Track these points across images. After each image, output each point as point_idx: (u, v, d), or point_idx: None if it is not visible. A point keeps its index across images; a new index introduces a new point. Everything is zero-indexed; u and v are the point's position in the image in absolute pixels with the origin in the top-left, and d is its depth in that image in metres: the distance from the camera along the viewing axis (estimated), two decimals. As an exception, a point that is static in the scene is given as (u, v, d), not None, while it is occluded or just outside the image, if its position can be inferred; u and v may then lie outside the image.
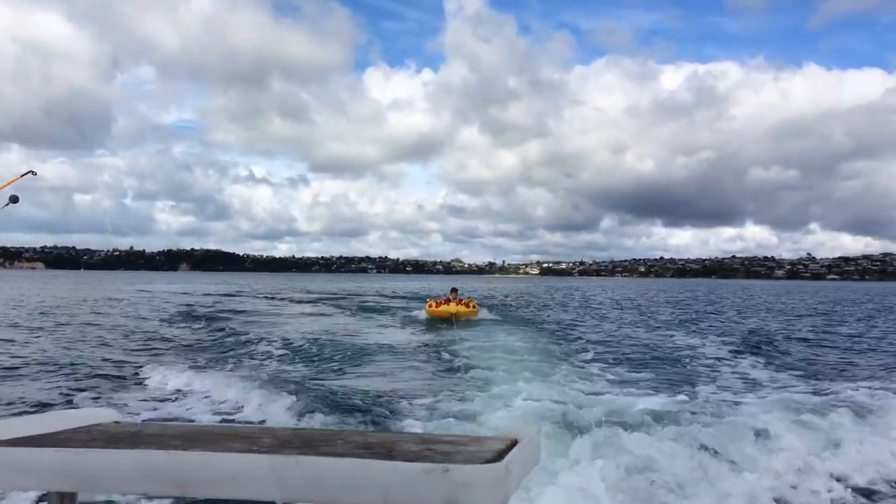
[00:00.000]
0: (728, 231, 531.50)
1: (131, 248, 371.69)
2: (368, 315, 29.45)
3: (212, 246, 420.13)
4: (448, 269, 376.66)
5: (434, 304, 25.31)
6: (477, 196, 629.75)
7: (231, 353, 16.00)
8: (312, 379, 11.91)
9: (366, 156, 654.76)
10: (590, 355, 15.40)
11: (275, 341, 17.55)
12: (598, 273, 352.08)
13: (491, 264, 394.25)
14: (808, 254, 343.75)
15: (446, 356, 14.68)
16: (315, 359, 14.77)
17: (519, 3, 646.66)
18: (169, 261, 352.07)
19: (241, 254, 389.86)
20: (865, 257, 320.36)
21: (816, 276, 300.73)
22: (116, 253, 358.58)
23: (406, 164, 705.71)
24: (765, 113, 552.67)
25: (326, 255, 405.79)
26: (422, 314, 25.83)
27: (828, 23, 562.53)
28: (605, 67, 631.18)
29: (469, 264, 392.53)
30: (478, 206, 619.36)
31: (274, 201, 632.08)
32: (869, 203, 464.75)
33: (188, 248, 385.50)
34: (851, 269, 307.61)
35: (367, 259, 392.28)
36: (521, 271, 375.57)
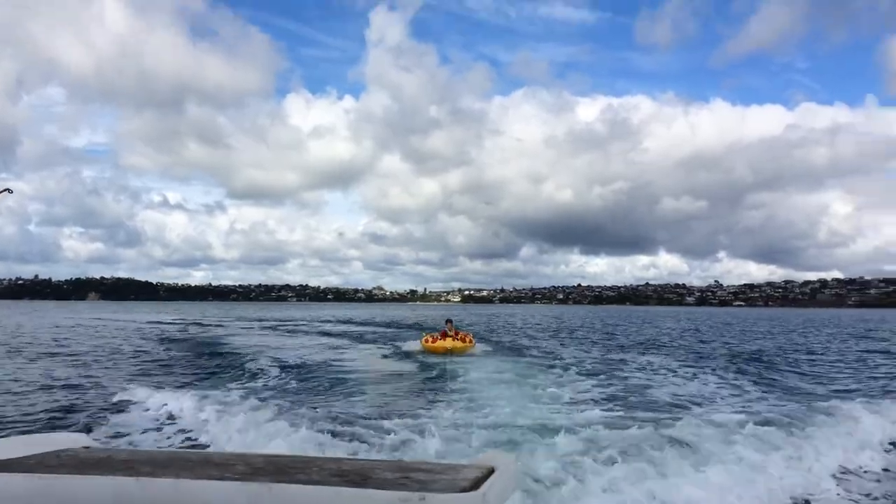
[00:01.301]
0: (642, 259, 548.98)
1: (36, 276, 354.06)
2: (353, 344, 29.81)
3: (122, 274, 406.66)
4: (370, 297, 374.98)
5: (430, 339, 24.70)
6: (398, 224, 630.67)
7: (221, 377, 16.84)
8: (299, 401, 12.36)
9: (286, 183, 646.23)
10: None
11: (266, 366, 18.54)
12: (518, 300, 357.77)
13: (413, 292, 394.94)
14: (716, 281, 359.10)
15: (434, 382, 15.60)
16: (304, 382, 15.74)
17: (439, 34, 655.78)
18: (77, 289, 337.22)
19: (154, 282, 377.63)
20: (769, 284, 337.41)
21: (723, 303, 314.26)
22: (21, 282, 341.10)
23: (327, 191, 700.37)
24: (675, 145, 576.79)
25: (244, 282, 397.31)
26: (416, 347, 25.33)
27: (730, 61, 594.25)
28: (524, 98, 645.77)
29: (391, 292, 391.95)
30: (399, 233, 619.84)
31: (189, 228, 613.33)
32: (772, 233, 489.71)
33: (97, 276, 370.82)
34: (756, 295, 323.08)
35: (287, 287, 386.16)
36: (444, 299, 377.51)
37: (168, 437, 9.93)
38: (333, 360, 21.58)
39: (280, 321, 58.29)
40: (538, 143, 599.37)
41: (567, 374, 17.49)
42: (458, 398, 12.91)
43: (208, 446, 9.40)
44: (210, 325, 49.90)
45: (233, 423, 9.98)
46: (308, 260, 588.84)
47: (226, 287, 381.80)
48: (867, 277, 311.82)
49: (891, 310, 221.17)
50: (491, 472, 1.22)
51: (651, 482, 6.74)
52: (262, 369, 17.93)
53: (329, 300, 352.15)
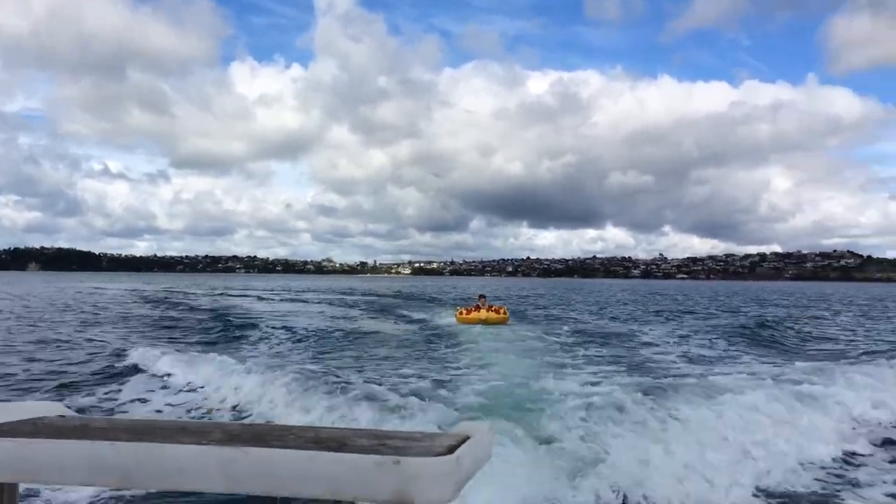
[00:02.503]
0: (590, 232, 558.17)
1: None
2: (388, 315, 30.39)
3: (62, 244, 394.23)
4: (319, 268, 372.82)
5: (465, 312, 24.97)
6: (347, 195, 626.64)
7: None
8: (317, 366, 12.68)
9: (232, 152, 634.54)
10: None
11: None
12: (468, 273, 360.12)
13: (362, 264, 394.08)
14: (661, 254, 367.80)
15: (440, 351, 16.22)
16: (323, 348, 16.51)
17: (389, 4, 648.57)
18: (16, 260, 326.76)
19: (97, 252, 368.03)
20: (711, 258, 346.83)
21: (667, 276, 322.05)
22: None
23: (274, 161, 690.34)
24: (623, 120, 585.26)
25: (190, 253, 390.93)
26: (450, 320, 25.61)
27: (678, 37, 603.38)
28: (474, 71, 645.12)
29: (340, 264, 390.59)
30: (348, 205, 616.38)
31: (132, 197, 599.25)
32: (715, 208, 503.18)
33: (36, 245, 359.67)
34: (698, 268, 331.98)
35: (235, 258, 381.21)
36: (394, 271, 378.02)
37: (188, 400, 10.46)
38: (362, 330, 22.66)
39: (293, 292, 58.17)
40: (488, 115, 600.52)
41: (574, 342, 18.48)
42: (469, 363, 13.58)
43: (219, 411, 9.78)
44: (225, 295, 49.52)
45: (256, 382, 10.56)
46: (255, 231, 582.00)
47: (171, 258, 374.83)
48: (804, 251, 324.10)
49: (826, 282, 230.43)
50: (466, 440, 1.25)
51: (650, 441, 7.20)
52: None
53: (278, 272, 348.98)
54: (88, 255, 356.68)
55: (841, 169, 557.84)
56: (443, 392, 10.33)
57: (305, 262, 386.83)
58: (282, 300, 45.11)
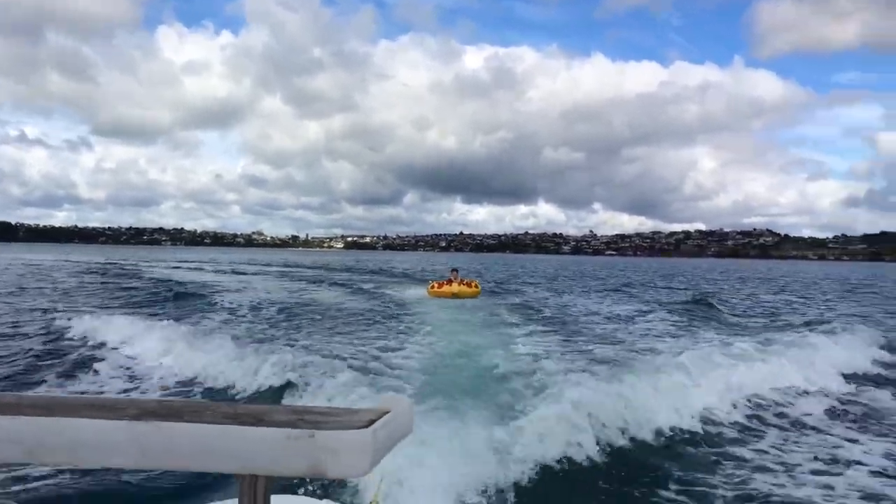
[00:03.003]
0: (522, 208, 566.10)
1: None
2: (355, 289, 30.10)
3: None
4: (249, 241, 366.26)
5: (436, 285, 25.30)
6: (279, 167, 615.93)
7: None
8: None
9: (157, 120, 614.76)
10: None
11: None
12: (401, 247, 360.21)
13: (294, 237, 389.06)
14: (591, 231, 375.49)
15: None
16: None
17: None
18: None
19: (13, 222, 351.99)
20: (638, 235, 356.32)
21: (597, 252, 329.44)
22: None
23: (203, 131, 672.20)
24: (557, 97, 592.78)
25: (113, 225, 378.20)
26: (421, 293, 25.74)
27: (612, 16, 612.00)
28: (410, 44, 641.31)
29: (271, 237, 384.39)
30: (280, 177, 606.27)
31: (50, 165, 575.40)
32: (644, 186, 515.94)
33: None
34: (626, 245, 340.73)
35: (161, 230, 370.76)
36: (326, 245, 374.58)
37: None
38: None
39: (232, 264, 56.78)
40: (424, 89, 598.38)
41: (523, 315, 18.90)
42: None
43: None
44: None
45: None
46: (182, 202, 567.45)
47: (94, 229, 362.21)
48: (726, 229, 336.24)
49: (746, 259, 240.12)
50: (385, 414, 1.25)
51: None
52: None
53: (206, 244, 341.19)
54: (4, 225, 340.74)
55: (764, 150, 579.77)
56: (381, 366, 10.28)
57: (235, 235, 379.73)
58: (234, 272, 44.53)
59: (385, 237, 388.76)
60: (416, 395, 8.01)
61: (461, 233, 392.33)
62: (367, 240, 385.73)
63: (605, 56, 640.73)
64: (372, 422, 1.18)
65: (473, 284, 25.70)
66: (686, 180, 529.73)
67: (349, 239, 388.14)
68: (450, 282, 25.21)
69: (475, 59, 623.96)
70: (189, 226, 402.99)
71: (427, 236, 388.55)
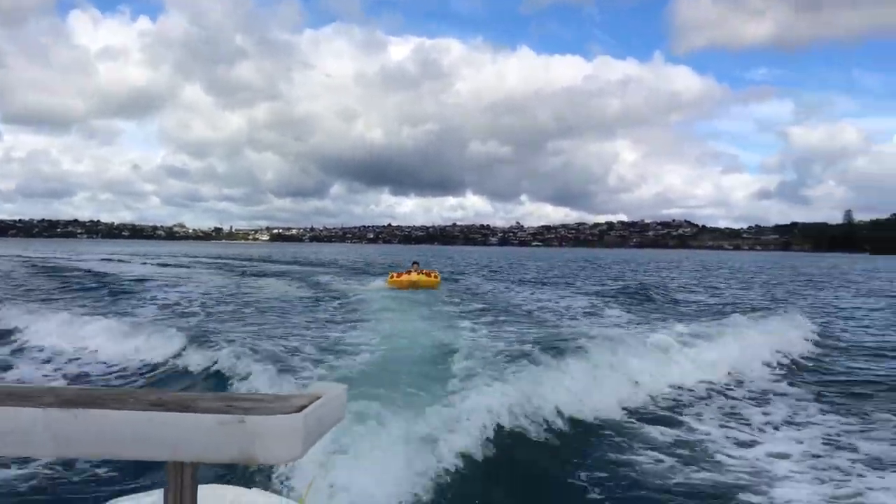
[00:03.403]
0: (450, 200, 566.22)
1: None
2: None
3: None
4: (170, 234, 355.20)
5: (396, 275, 25.24)
6: (200, 158, 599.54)
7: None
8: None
9: (71, 109, 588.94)
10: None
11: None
12: (328, 239, 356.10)
13: (217, 230, 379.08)
14: (518, 222, 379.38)
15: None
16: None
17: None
18: None
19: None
20: (564, 226, 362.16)
21: (523, 243, 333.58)
22: None
23: (120, 120, 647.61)
24: (484, 90, 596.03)
25: (24, 217, 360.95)
26: (381, 284, 25.64)
27: (536, 10, 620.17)
28: (335, 33, 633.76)
29: (193, 229, 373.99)
30: (201, 168, 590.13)
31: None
32: (569, 178, 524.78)
33: None
34: (552, 236, 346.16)
35: (76, 222, 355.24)
36: (251, 237, 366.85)
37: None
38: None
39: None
40: (349, 79, 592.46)
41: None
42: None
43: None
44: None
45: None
46: (98, 193, 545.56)
47: (3, 222, 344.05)
48: (647, 220, 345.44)
49: (666, 249, 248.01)
50: (317, 399, 1.23)
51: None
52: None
53: (124, 237, 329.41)
54: None
55: (682, 144, 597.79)
56: (320, 355, 10.28)
57: (155, 227, 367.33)
58: (170, 265, 43.73)
59: (312, 229, 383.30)
60: (352, 382, 7.71)
61: (389, 224, 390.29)
62: (294, 232, 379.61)
63: (531, 49, 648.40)
64: (303, 407, 1.16)
65: (433, 274, 25.77)
66: (609, 172, 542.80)
67: (275, 231, 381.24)
68: (409, 272, 25.21)
69: (401, 50, 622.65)
70: (106, 217, 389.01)
71: (355, 228, 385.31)
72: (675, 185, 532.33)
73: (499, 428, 6.56)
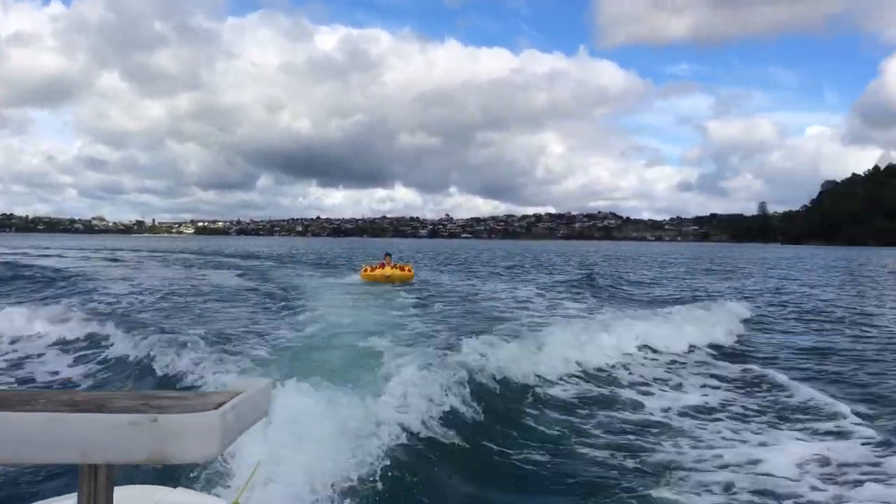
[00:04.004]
0: (379, 192, 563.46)
1: None
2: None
3: None
4: (89, 227, 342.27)
5: (369, 269, 24.72)
6: (120, 149, 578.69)
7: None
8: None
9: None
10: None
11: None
12: (256, 232, 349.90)
13: (139, 223, 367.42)
14: (447, 214, 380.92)
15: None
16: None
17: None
18: None
19: None
20: (493, 218, 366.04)
21: (452, 235, 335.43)
22: None
23: (32, 109, 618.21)
24: (412, 81, 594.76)
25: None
26: (355, 278, 25.20)
27: (464, 1, 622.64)
28: (260, 21, 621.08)
29: (114, 222, 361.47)
30: (121, 159, 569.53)
31: None
32: (498, 170, 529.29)
33: None
34: (481, 228, 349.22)
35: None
36: (175, 230, 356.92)
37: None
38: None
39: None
40: (275, 69, 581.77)
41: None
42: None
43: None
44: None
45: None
46: (10, 185, 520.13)
47: None
48: (574, 212, 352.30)
49: (592, 241, 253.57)
50: (237, 396, 1.20)
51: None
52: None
53: (40, 231, 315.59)
54: None
55: (607, 137, 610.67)
56: (254, 348, 10.16)
57: (73, 221, 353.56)
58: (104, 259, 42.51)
59: (238, 222, 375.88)
60: (290, 374, 7.52)
61: (318, 217, 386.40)
62: (220, 225, 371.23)
63: (458, 41, 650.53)
64: (222, 404, 1.14)
65: (407, 268, 25.27)
66: (537, 165, 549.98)
67: (200, 224, 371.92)
68: (382, 265, 24.76)
69: (328, 39, 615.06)
70: (19, 211, 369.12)
71: (283, 221, 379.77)
72: (601, 178, 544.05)
73: (433, 409, 6.72)
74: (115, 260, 42.29)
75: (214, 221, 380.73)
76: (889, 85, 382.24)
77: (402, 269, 24.95)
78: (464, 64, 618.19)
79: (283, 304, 16.80)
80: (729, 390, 8.90)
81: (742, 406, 8.08)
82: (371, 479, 5.20)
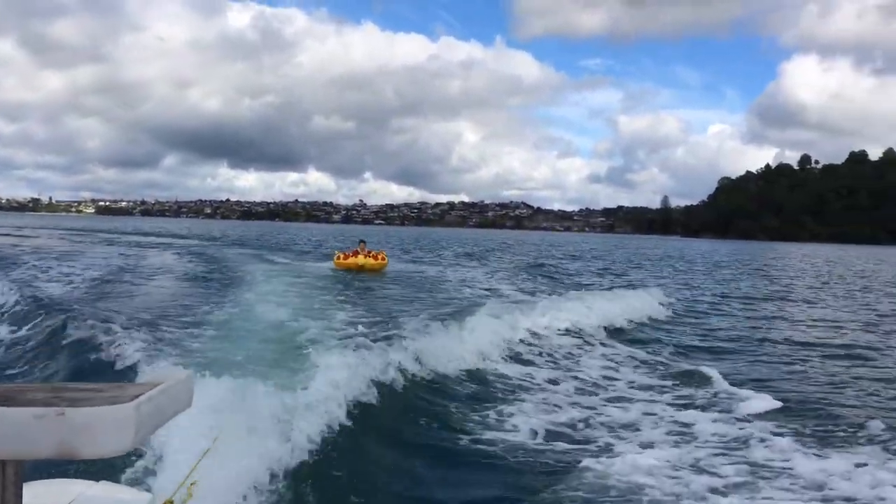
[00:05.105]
0: (292, 176, 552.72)
1: None
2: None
3: None
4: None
5: (342, 256, 24.27)
6: (14, 121, 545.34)
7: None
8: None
9: None
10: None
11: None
12: (161, 213, 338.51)
13: (35, 200, 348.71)
14: (361, 200, 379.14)
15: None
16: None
17: None
18: None
19: None
20: (406, 205, 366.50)
21: (366, 221, 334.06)
22: None
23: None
24: (328, 64, 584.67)
25: None
26: (328, 265, 24.84)
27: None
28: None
29: (7, 199, 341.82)
30: (15, 133, 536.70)
31: None
32: (413, 157, 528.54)
33: None
34: (395, 215, 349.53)
35: None
36: (74, 209, 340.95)
37: None
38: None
39: None
40: (183, 45, 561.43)
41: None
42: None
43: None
44: None
45: None
46: None
47: None
48: (487, 201, 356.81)
49: (503, 230, 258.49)
50: (154, 387, 1.15)
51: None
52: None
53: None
54: None
55: (521, 127, 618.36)
56: (182, 338, 9.88)
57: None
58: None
59: (143, 202, 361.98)
60: (215, 364, 7.43)
61: (228, 199, 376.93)
62: (123, 204, 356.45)
63: (375, 25, 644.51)
64: (137, 396, 1.11)
65: (380, 256, 24.95)
66: (452, 153, 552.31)
67: (101, 203, 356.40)
68: (356, 253, 24.38)
69: (240, 17, 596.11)
70: None
71: (191, 202, 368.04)
72: (514, 168, 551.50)
73: (355, 397, 6.84)
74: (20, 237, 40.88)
75: (117, 201, 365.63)
76: (786, 87, 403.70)
77: (375, 257, 24.58)
78: (380, 48, 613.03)
79: (218, 290, 16.58)
80: (635, 366, 10.45)
81: (650, 381, 9.50)
82: (293, 472, 5.16)
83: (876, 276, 39.74)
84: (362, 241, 25.88)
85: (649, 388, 9.18)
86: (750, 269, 41.79)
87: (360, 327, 10.82)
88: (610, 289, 20.45)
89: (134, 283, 17.72)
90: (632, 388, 9.19)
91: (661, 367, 10.50)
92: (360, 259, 23.82)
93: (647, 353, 11.58)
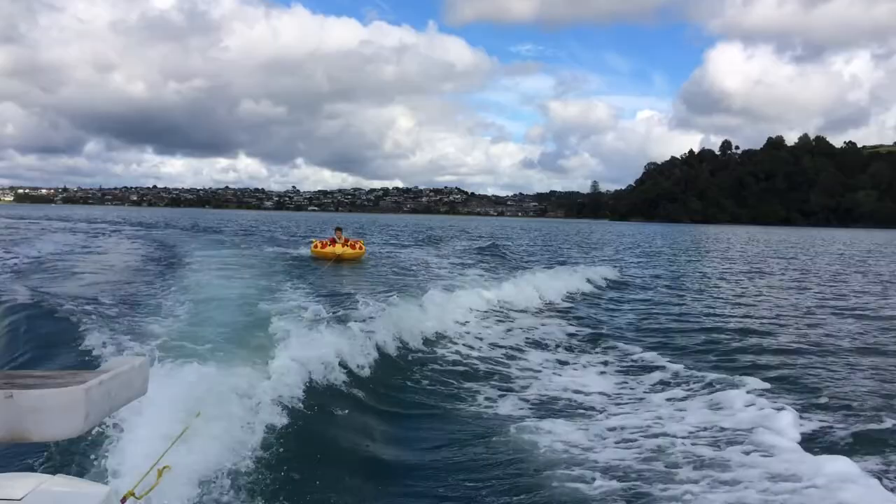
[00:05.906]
0: (221, 162, 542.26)
1: None
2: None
3: None
4: None
5: (320, 245, 23.76)
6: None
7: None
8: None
9: None
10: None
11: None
12: (85, 201, 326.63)
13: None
14: (294, 186, 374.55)
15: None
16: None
17: None
18: None
19: None
20: (340, 191, 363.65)
21: (299, 207, 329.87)
22: None
23: None
24: (257, 47, 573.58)
25: None
26: (305, 253, 24.55)
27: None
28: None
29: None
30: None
31: None
32: (346, 143, 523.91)
33: None
34: (329, 201, 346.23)
35: None
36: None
37: None
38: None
39: None
40: (104, 26, 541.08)
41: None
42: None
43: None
44: None
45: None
46: None
47: None
48: (421, 187, 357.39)
49: (438, 215, 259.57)
50: (107, 372, 1.14)
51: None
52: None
53: None
54: None
55: (454, 112, 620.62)
56: (138, 325, 9.67)
57: None
58: None
59: (65, 189, 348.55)
60: (172, 349, 7.33)
61: (154, 186, 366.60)
62: (44, 192, 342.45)
63: (305, 8, 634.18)
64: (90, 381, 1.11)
65: (358, 245, 24.50)
66: (385, 138, 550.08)
67: (21, 191, 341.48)
68: (333, 241, 23.81)
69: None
70: None
71: (116, 189, 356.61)
72: (448, 153, 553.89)
73: (313, 380, 6.86)
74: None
75: (37, 188, 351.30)
76: (710, 74, 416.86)
77: (353, 245, 24.18)
78: (311, 32, 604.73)
79: (174, 275, 16.36)
80: (572, 335, 11.72)
81: (587, 353, 10.51)
82: (259, 457, 5.14)
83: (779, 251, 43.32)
84: (338, 229, 25.02)
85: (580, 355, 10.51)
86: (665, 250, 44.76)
87: (323, 307, 10.96)
88: (552, 266, 22.96)
89: (88, 271, 17.65)
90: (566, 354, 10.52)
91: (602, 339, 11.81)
92: (338, 248, 23.17)
93: (581, 325, 12.97)
